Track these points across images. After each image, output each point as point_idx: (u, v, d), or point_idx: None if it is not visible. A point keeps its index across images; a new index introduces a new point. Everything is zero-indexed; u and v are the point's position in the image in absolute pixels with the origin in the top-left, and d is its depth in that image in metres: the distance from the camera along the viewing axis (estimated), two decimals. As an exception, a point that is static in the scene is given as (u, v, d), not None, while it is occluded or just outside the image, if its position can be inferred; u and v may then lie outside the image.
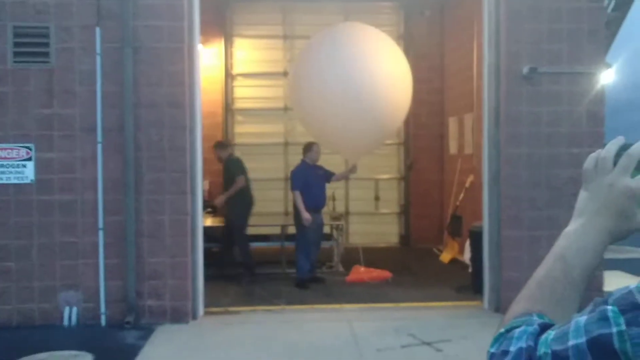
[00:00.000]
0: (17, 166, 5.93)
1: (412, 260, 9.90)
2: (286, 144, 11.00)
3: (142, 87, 6.12)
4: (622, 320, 0.79)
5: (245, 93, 11.11)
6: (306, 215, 7.82)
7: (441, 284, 8.08)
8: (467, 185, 9.61)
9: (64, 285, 6.08)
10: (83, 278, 6.10)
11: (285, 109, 10.87)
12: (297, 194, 7.97)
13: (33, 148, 6.00)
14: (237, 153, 10.83)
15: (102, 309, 6.10)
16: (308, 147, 8.27)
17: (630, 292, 0.81)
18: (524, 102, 6.25)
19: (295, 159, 9.96)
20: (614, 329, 0.79)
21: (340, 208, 10.54)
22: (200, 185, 6.56)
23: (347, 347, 5.70)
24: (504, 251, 6.61)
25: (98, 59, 6.04)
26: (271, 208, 10.39)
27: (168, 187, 6.20)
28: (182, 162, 6.23)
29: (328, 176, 8.31)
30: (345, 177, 8.79)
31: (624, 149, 0.98)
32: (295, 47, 10.90)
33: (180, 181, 6.22)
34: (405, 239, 11.32)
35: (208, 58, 10.35)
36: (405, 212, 11.42)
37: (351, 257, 9.11)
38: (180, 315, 6.22)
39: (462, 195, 9.80)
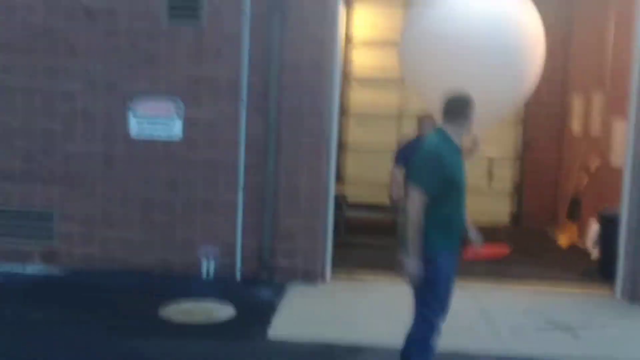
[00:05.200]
0: (166, 123, 6.18)
1: (527, 242, 9.66)
2: (399, 116, 10.89)
3: (285, 50, 6.19)
4: None
5: (364, 61, 11.02)
6: (393, 192, 7.44)
7: (563, 268, 7.84)
8: (592, 169, 9.20)
9: (204, 239, 6.32)
10: (221, 234, 6.33)
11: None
12: (396, 170, 7.43)
13: (181, 105, 6.22)
14: (352, 122, 10.87)
15: (238, 264, 6.31)
16: (418, 121, 7.73)
17: None
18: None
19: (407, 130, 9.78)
20: None
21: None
22: (335, 151, 6.61)
23: (479, 324, 5.65)
24: (643, 239, 6.31)
25: (245, 22, 6.14)
26: (383, 179, 10.36)
27: (305, 151, 6.28)
28: (320, 126, 6.29)
29: None
30: (468, 155, 8.35)
31: None
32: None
33: (316, 146, 6.29)
34: (516, 218, 11.04)
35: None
36: (518, 191, 11.12)
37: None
38: (310, 277, 6.35)
39: (585, 179, 9.40)
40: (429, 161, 3.95)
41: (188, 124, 6.25)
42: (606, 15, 8.81)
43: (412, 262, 3.88)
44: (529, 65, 6.55)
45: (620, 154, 7.42)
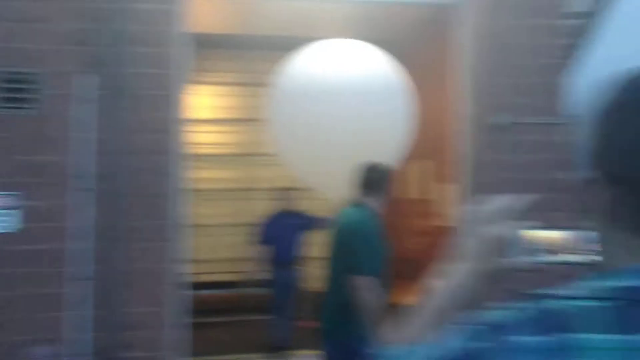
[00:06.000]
0: (3, 214, 5.72)
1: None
2: (246, 190, 11.05)
3: (127, 134, 6.09)
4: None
5: (206, 139, 11.12)
6: (257, 270, 7.55)
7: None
8: (427, 230, 9.91)
9: (41, 338, 5.82)
10: (57, 331, 5.86)
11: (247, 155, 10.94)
12: (257, 247, 7.49)
13: (20, 196, 5.82)
14: (197, 199, 10.73)
15: (78, 363, 5.87)
16: (283, 192, 7.91)
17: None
18: (497, 151, 6.63)
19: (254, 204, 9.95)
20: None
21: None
22: (182, 232, 6.50)
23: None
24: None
25: (87, 106, 5.97)
26: (230, 253, 10.36)
27: (150, 235, 6.12)
28: (164, 209, 6.19)
29: (310, 223, 7.75)
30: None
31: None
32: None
33: (161, 229, 6.16)
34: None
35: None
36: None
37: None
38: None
39: (416, 239, 10.10)
40: (366, 243, 3.59)
41: (25, 215, 5.83)
42: (439, 85, 9.68)
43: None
44: (402, 129, 6.84)
45: (450, 216, 8.09)
